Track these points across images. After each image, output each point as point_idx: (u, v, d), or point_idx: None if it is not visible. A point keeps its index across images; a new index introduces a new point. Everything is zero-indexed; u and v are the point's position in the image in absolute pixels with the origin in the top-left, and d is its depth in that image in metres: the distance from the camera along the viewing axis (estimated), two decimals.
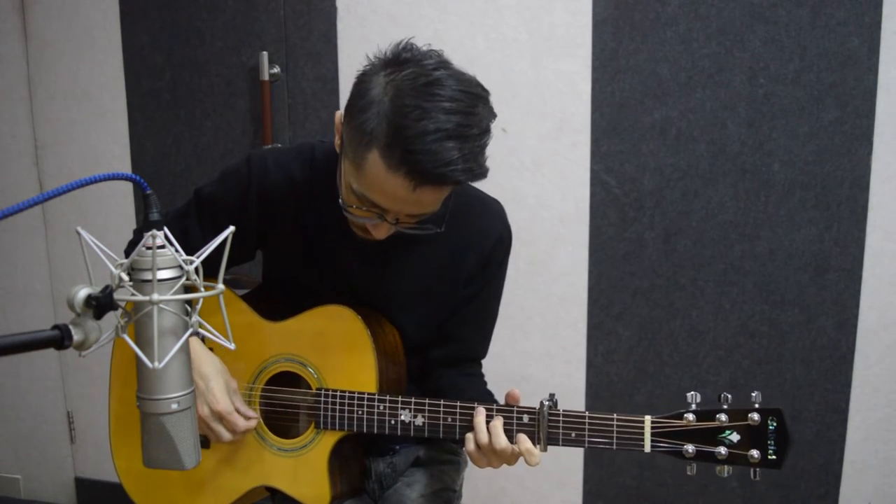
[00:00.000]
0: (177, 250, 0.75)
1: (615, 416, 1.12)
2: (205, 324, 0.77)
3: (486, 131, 1.05)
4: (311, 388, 1.28)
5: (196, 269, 0.76)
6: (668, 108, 1.93)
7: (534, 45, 1.99)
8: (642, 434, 1.11)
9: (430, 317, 1.34)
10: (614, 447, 1.12)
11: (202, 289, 0.75)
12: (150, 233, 0.75)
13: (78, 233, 0.73)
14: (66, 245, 2.45)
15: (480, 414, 1.16)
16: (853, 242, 1.88)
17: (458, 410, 1.19)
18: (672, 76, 1.92)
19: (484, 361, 1.44)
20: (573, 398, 2.09)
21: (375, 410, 1.23)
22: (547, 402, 1.15)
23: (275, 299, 1.36)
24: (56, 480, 2.63)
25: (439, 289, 1.31)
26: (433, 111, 0.99)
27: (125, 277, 0.74)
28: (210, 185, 1.31)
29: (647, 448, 1.11)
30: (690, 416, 1.10)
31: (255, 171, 1.26)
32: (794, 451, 1.96)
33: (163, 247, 0.75)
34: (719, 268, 1.97)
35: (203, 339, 1.17)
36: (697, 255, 1.98)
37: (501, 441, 1.13)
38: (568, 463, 2.15)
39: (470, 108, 1.02)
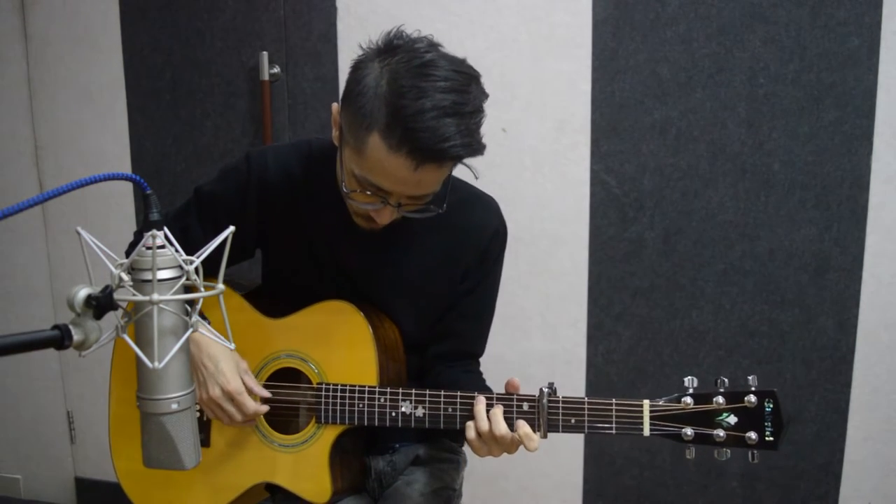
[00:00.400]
0: (177, 250, 0.76)
1: (614, 401, 1.14)
2: (205, 324, 0.77)
3: (480, 109, 1.08)
4: (311, 384, 1.29)
5: (196, 269, 0.76)
6: (668, 108, 1.93)
7: (534, 45, 1.99)
8: (641, 418, 1.13)
9: (429, 311, 1.35)
10: (614, 431, 1.13)
11: (202, 289, 0.76)
12: (150, 233, 0.75)
13: (78, 233, 0.73)
14: (66, 245, 2.45)
15: (481, 402, 1.18)
16: (853, 242, 1.88)
17: (458, 400, 1.20)
18: (672, 76, 1.92)
19: (484, 362, 1.44)
20: None
21: (376, 403, 1.24)
22: (546, 390, 1.16)
23: (275, 296, 1.37)
24: (56, 480, 2.63)
25: (437, 283, 1.32)
26: (430, 90, 1.02)
27: (125, 277, 0.74)
28: (210, 183, 1.32)
29: (647, 432, 1.12)
30: (688, 400, 1.12)
31: (254, 168, 1.27)
32: (794, 451, 1.97)
33: (163, 247, 0.75)
34: (719, 268, 1.97)
35: (210, 322, 1.17)
36: (697, 255, 1.98)
37: (501, 428, 1.14)
38: (568, 463, 2.15)
39: (464, 87, 1.05)
